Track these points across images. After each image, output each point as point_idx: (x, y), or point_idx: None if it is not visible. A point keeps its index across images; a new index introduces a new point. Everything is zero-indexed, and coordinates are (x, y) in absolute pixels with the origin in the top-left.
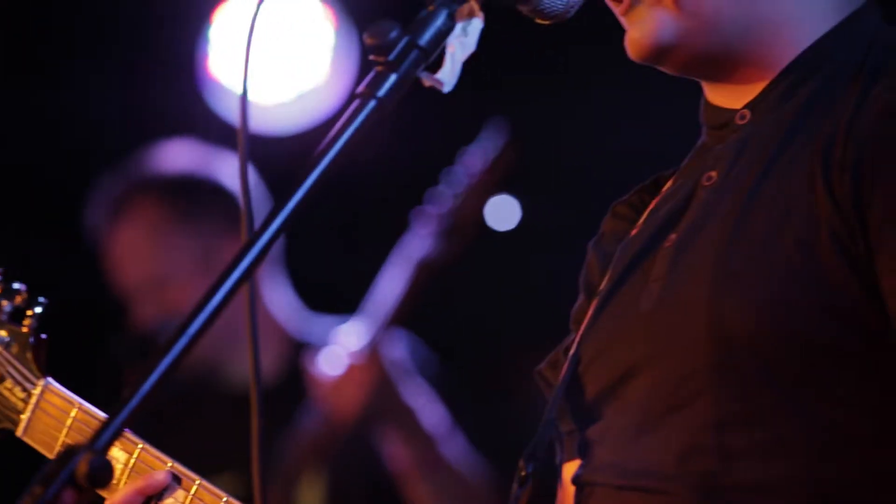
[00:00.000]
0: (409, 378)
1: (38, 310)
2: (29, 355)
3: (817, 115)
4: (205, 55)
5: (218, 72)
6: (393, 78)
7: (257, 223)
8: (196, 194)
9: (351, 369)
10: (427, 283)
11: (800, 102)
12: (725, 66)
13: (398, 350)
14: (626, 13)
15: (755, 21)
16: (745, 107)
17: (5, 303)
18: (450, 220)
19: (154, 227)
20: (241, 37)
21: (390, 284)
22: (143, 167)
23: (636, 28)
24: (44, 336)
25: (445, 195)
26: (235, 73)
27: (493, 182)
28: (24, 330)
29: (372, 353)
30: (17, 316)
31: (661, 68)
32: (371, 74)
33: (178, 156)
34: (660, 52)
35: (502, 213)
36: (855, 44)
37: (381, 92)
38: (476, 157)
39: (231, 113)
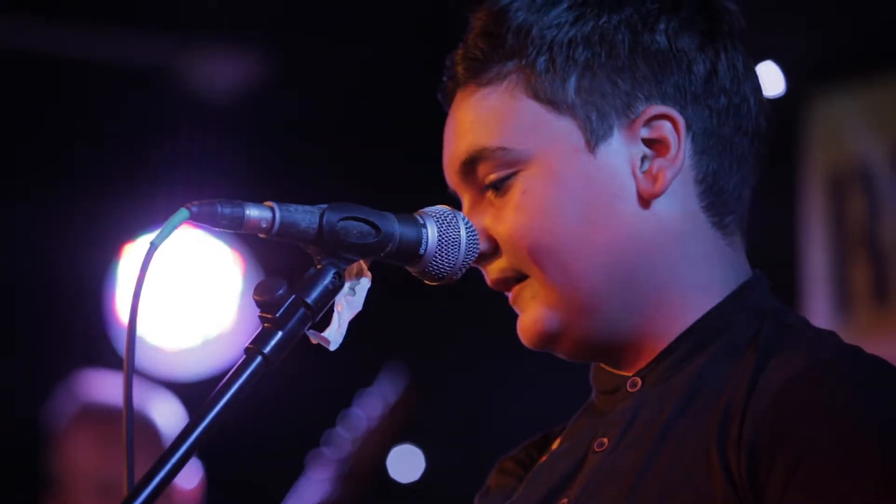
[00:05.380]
0: None
1: None
2: None
3: (711, 388)
4: (111, 294)
5: (123, 312)
6: (279, 335)
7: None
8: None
9: None
10: None
11: (692, 374)
12: (614, 345)
13: None
14: (514, 302)
15: (635, 299)
16: (637, 374)
17: None
18: (347, 465)
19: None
20: (132, 278)
21: None
22: (85, 394)
23: (523, 317)
24: None
25: (343, 438)
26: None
27: (393, 428)
28: None
29: None
30: None
31: (555, 354)
32: (259, 330)
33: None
34: (546, 339)
35: (406, 464)
36: (745, 318)
37: (267, 349)
38: (374, 400)
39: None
